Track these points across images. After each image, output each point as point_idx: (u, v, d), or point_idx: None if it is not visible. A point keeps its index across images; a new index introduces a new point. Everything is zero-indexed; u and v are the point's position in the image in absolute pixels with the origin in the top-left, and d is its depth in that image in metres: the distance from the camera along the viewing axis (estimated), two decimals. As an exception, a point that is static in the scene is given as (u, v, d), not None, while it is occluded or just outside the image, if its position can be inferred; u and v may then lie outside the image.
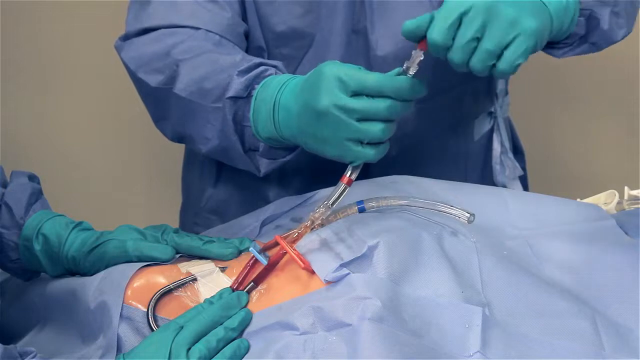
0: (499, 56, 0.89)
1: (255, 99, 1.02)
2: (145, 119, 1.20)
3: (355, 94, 0.89)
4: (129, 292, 0.92)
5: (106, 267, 0.98)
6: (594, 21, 1.04)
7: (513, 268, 0.93)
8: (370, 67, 1.14)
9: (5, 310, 1.07)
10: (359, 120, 0.89)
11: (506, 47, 0.88)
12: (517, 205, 1.05)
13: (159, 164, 1.89)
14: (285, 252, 0.91)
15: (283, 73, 1.05)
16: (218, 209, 1.32)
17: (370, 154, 0.91)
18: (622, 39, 1.09)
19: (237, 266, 0.95)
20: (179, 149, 1.40)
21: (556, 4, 0.94)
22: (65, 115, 1.85)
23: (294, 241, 0.93)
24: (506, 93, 1.39)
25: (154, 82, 1.09)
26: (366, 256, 0.88)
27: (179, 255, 0.99)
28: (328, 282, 0.88)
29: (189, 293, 0.93)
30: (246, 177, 1.18)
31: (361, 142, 0.91)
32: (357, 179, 0.94)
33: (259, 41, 1.18)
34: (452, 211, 0.95)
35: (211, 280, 0.94)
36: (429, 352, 0.81)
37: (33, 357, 0.86)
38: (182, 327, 0.86)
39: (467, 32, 0.87)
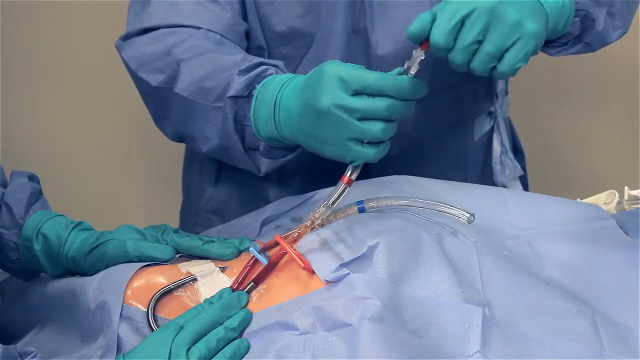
0: (500, 58, 0.89)
1: (256, 98, 1.02)
2: (145, 118, 1.20)
3: (357, 93, 0.89)
4: (129, 292, 0.92)
5: (106, 267, 0.98)
6: (589, 22, 1.04)
7: (513, 268, 0.93)
8: (370, 66, 1.14)
9: (5, 310, 1.07)
10: (360, 119, 0.89)
11: (507, 49, 0.88)
12: (517, 205, 1.05)
13: (159, 164, 1.89)
14: (285, 252, 0.91)
15: (284, 72, 1.05)
16: (218, 209, 1.32)
17: (370, 153, 0.91)
18: (617, 39, 1.09)
19: (237, 266, 0.95)
20: (179, 149, 1.40)
21: (553, 4, 0.94)
22: (65, 115, 1.85)
23: (294, 241, 0.93)
24: (506, 93, 1.39)
25: (155, 81, 1.09)
26: (366, 256, 0.88)
27: (179, 255, 0.99)
28: (328, 282, 0.88)
29: (189, 293, 0.93)
30: (246, 177, 1.18)
31: (361, 142, 0.91)
32: (357, 179, 0.94)
33: (260, 41, 1.19)
34: (452, 211, 0.95)
35: (211, 280, 0.94)
36: (429, 352, 0.81)
37: (33, 357, 0.86)
38: (182, 327, 0.86)
39: (469, 35, 0.87)
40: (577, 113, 1.85)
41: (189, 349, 0.84)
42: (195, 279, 0.94)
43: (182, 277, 0.94)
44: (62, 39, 1.78)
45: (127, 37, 1.15)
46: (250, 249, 0.93)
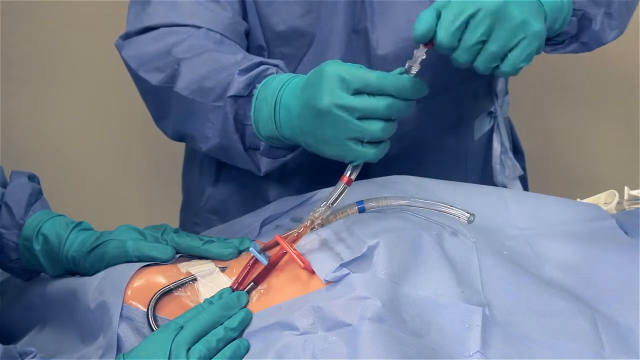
0: (503, 57, 0.89)
1: (257, 98, 1.02)
2: (145, 118, 1.20)
3: (357, 92, 0.89)
4: (129, 292, 0.92)
5: (106, 267, 0.98)
6: (586, 21, 1.04)
7: (513, 268, 0.93)
8: (370, 66, 1.14)
9: (5, 310, 1.07)
10: (360, 118, 0.89)
11: (511, 49, 0.89)
12: (517, 205, 1.05)
13: (159, 163, 1.89)
14: (285, 252, 0.91)
15: (284, 72, 1.05)
16: (218, 209, 1.32)
17: (370, 153, 0.91)
18: (613, 40, 1.09)
19: (237, 266, 0.95)
20: (179, 148, 1.40)
21: (552, 4, 0.95)
22: (65, 115, 1.85)
23: (294, 241, 0.93)
24: (506, 93, 1.39)
25: (155, 80, 1.09)
26: (366, 256, 0.88)
27: (179, 255, 0.99)
28: (328, 282, 0.88)
29: (189, 293, 0.93)
30: (246, 177, 1.18)
31: (361, 142, 0.91)
32: (357, 178, 0.94)
33: (260, 40, 1.19)
34: (452, 211, 0.95)
35: (211, 280, 0.94)
36: (429, 352, 0.81)
37: (33, 357, 0.86)
38: (182, 327, 0.86)
39: (473, 35, 0.87)
40: (577, 113, 1.85)
41: (189, 349, 0.84)
42: (195, 279, 0.94)
43: (182, 277, 0.94)
44: (62, 39, 1.78)
45: (127, 36, 1.15)
46: (250, 249, 0.93)
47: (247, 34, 1.19)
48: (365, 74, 0.89)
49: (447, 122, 1.28)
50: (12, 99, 1.78)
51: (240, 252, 0.98)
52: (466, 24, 0.87)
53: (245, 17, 1.18)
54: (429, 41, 0.89)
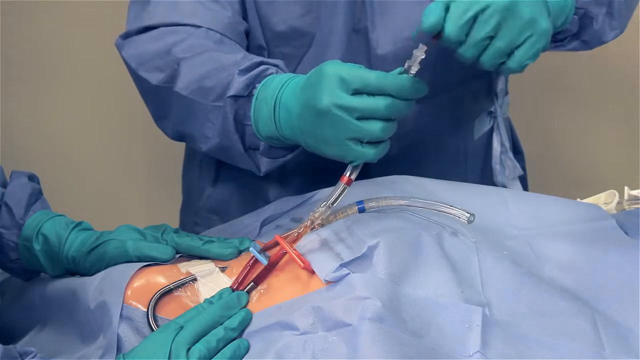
0: (509, 54, 0.89)
1: (256, 98, 1.02)
2: (145, 118, 1.20)
3: (357, 92, 0.89)
4: (129, 292, 0.92)
5: (106, 267, 0.98)
6: (587, 20, 1.04)
7: (513, 268, 0.93)
8: (370, 66, 1.14)
9: (5, 310, 1.07)
10: (359, 118, 0.89)
11: (518, 46, 0.89)
12: (517, 205, 1.05)
13: (159, 163, 1.89)
14: (285, 252, 0.91)
15: (284, 72, 1.05)
16: (217, 209, 1.32)
17: (370, 153, 0.91)
18: (613, 39, 1.10)
19: (237, 266, 0.95)
20: (179, 148, 1.40)
21: (555, 2, 0.95)
22: (65, 115, 1.85)
23: (294, 241, 0.93)
24: (506, 93, 1.39)
25: (155, 80, 1.09)
26: (366, 256, 0.88)
27: (179, 255, 0.99)
28: (328, 282, 0.88)
29: (189, 293, 0.93)
30: (246, 177, 1.18)
31: (361, 142, 0.91)
32: (357, 178, 0.94)
33: (259, 40, 1.19)
34: (452, 211, 0.95)
35: (211, 280, 0.94)
36: (429, 352, 0.81)
37: (33, 357, 0.86)
38: (182, 327, 0.86)
39: (482, 31, 0.87)
40: (576, 113, 1.85)
41: (189, 349, 0.84)
42: (195, 279, 0.94)
43: (182, 277, 0.94)
44: (62, 39, 1.78)
45: (127, 35, 1.15)
46: (250, 249, 0.93)
47: (247, 33, 1.19)
48: (365, 74, 0.89)
49: (447, 122, 1.28)
50: (12, 99, 1.78)
51: (240, 252, 0.98)
52: (474, 18, 0.87)
53: (245, 16, 1.18)
54: (437, 34, 0.88)
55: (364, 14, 1.16)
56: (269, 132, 1.01)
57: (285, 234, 0.94)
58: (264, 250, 0.94)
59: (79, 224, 1.03)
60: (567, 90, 1.84)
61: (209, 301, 0.90)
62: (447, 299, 0.86)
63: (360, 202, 0.98)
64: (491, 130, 1.35)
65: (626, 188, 1.15)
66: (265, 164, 1.07)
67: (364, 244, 0.89)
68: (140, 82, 1.13)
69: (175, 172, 1.47)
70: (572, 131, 1.87)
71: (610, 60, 1.71)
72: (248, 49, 1.18)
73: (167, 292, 0.92)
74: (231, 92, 1.03)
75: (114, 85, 1.59)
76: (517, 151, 1.43)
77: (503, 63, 0.90)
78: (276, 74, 1.04)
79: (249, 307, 0.90)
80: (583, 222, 1.04)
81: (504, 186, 1.35)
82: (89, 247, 0.99)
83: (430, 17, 0.87)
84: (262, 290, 0.92)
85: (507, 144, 1.37)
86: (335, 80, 0.89)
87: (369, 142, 0.91)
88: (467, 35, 0.88)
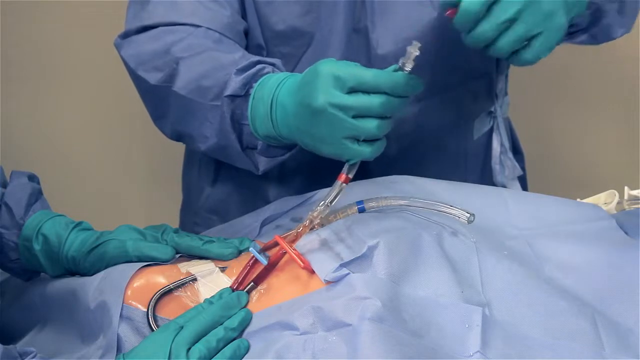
0: (524, 45, 0.89)
1: (253, 97, 1.02)
2: (145, 118, 1.20)
3: (352, 90, 0.89)
4: (129, 292, 0.92)
5: (106, 267, 0.98)
6: (598, 14, 1.04)
7: (513, 268, 0.93)
8: (370, 66, 1.13)
9: (5, 310, 1.07)
10: (355, 117, 0.89)
11: (535, 37, 0.88)
12: (517, 205, 1.05)
13: (159, 164, 1.89)
14: (285, 252, 0.91)
15: (281, 71, 1.05)
16: (217, 209, 1.32)
17: (366, 151, 0.91)
18: (621, 36, 1.10)
19: (237, 266, 0.95)
20: (179, 148, 1.40)
21: None
22: (65, 115, 1.85)
23: (294, 241, 0.93)
24: (505, 93, 1.39)
25: (154, 80, 1.09)
26: (366, 256, 0.88)
27: (179, 255, 0.99)
28: (328, 282, 0.88)
29: (189, 293, 0.93)
30: (245, 177, 1.18)
31: (357, 140, 0.91)
32: (358, 179, 0.94)
33: (259, 39, 1.19)
34: (452, 211, 0.95)
35: (211, 280, 0.94)
36: (429, 352, 0.81)
37: (33, 357, 0.86)
38: (182, 327, 0.86)
39: (505, 12, 0.87)
40: (576, 113, 1.85)
41: (189, 349, 0.84)
42: (195, 279, 0.94)
43: (182, 277, 0.94)
44: (62, 39, 1.78)
45: (126, 35, 1.15)
46: (250, 249, 0.93)
47: (247, 33, 1.19)
48: (360, 72, 0.89)
49: (447, 122, 1.28)
50: (12, 99, 1.78)
51: (240, 252, 0.98)
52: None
53: (244, 16, 1.18)
54: (453, 6, 0.88)
55: (364, 14, 1.16)
56: (266, 131, 1.01)
57: (285, 234, 0.94)
58: (263, 250, 0.94)
59: (79, 224, 1.03)
60: (567, 90, 1.84)
61: (209, 301, 0.90)
62: (447, 299, 0.86)
63: (360, 202, 0.98)
64: (491, 131, 1.35)
65: (626, 188, 1.15)
66: (263, 163, 1.07)
67: (364, 244, 0.89)
68: (139, 82, 1.13)
69: (175, 172, 1.47)
70: (572, 131, 1.87)
71: (610, 60, 1.71)
72: (247, 48, 1.18)
73: (167, 292, 0.92)
74: (228, 92, 1.03)
75: (114, 85, 1.59)
76: (516, 151, 1.43)
77: (516, 53, 0.90)
78: (273, 72, 1.04)
79: (249, 307, 0.90)
80: (583, 222, 1.04)
81: (504, 186, 1.35)
82: (89, 247, 0.99)
83: None
84: (262, 290, 0.92)
85: (507, 144, 1.37)
86: (330, 79, 0.89)
87: (365, 140, 0.91)
88: (485, 15, 0.87)
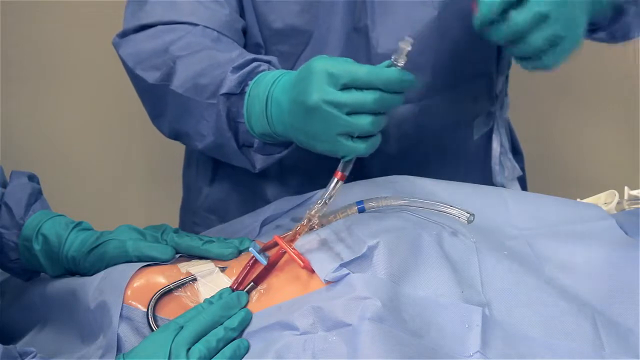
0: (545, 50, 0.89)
1: (249, 95, 1.02)
2: (144, 118, 1.19)
3: (345, 87, 0.89)
4: (129, 292, 0.92)
5: (106, 267, 0.98)
6: (619, 12, 1.04)
7: (513, 268, 0.93)
8: (371, 64, 1.14)
9: (5, 310, 1.07)
10: (349, 113, 0.89)
11: (556, 42, 0.89)
12: (517, 205, 1.05)
13: (159, 164, 1.89)
14: (285, 252, 0.91)
15: (277, 68, 1.05)
16: (215, 208, 1.32)
17: (361, 147, 0.91)
18: (636, 37, 1.10)
19: (237, 266, 0.95)
20: (179, 148, 1.40)
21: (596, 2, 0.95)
22: (65, 115, 1.85)
23: (292, 240, 0.93)
24: (505, 94, 1.39)
25: (152, 79, 1.09)
26: (366, 256, 0.88)
27: (179, 255, 0.99)
28: (328, 282, 0.88)
29: (188, 293, 0.93)
30: (243, 176, 1.18)
31: (352, 137, 0.91)
32: (357, 178, 0.94)
33: (257, 38, 1.19)
34: (452, 211, 0.95)
35: (211, 280, 0.94)
36: (429, 352, 0.81)
37: (33, 357, 0.86)
38: (182, 327, 0.86)
39: (539, 5, 0.87)
40: (576, 113, 1.85)
41: (189, 349, 0.84)
42: (195, 279, 0.94)
43: (182, 277, 0.94)
44: (62, 39, 1.78)
45: (124, 34, 1.15)
46: (250, 249, 0.93)
47: (245, 31, 1.19)
48: (353, 69, 0.89)
49: (447, 122, 1.28)
50: (12, 99, 1.78)
51: (240, 252, 0.98)
52: None
53: (242, 14, 1.18)
54: None
55: (364, 13, 1.16)
56: (262, 129, 1.01)
57: (285, 234, 0.94)
58: (263, 250, 0.94)
59: (79, 224, 1.03)
60: (567, 90, 1.84)
61: (209, 301, 0.90)
62: (447, 299, 0.86)
63: (360, 202, 0.98)
64: (491, 131, 1.35)
65: (626, 188, 1.15)
66: (259, 161, 1.07)
67: (364, 244, 0.89)
68: (137, 81, 1.13)
69: (175, 172, 1.47)
70: (572, 131, 1.87)
71: (610, 60, 1.71)
72: (246, 47, 1.18)
73: (167, 292, 0.92)
74: (223, 90, 1.03)
75: (114, 85, 1.58)
76: (516, 152, 1.43)
77: (532, 58, 0.90)
78: (268, 70, 1.04)
79: (249, 307, 0.90)
80: (583, 222, 1.04)
81: (503, 187, 1.35)
82: (89, 247, 0.99)
83: None
84: (262, 290, 0.92)
85: (507, 145, 1.37)
86: (324, 76, 0.89)
87: (359, 137, 0.91)
88: (517, 6, 0.87)
